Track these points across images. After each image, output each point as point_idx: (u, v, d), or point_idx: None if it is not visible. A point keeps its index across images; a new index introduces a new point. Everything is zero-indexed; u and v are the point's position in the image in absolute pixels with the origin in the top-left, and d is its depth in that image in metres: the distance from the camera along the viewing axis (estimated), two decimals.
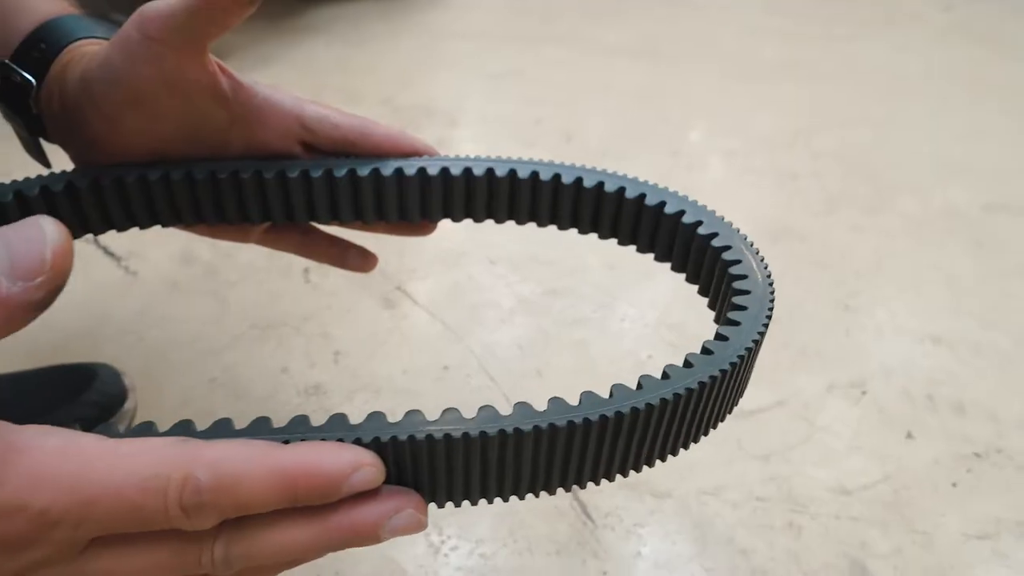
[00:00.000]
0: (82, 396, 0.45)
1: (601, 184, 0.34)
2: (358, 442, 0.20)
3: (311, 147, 0.36)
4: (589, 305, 0.63)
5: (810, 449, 0.49)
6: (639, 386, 0.22)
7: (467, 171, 0.35)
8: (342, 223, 0.37)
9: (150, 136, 0.34)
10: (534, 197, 0.35)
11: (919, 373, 0.55)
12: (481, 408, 0.21)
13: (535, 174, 0.34)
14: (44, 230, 0.18)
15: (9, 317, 0.18)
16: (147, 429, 0.21)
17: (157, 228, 0.36)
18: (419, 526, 0.20)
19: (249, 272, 0.66)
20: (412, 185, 0.35)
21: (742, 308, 0.26)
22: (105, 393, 0.46)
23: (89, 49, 0.35)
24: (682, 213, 0.32)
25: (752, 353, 0.25)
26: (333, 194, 0.35)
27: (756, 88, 1.11)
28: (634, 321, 0.61)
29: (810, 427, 0.50)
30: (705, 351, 0.24)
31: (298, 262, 0.68)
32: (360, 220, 0.36)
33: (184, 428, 0.21)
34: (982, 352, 0.58)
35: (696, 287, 0.33)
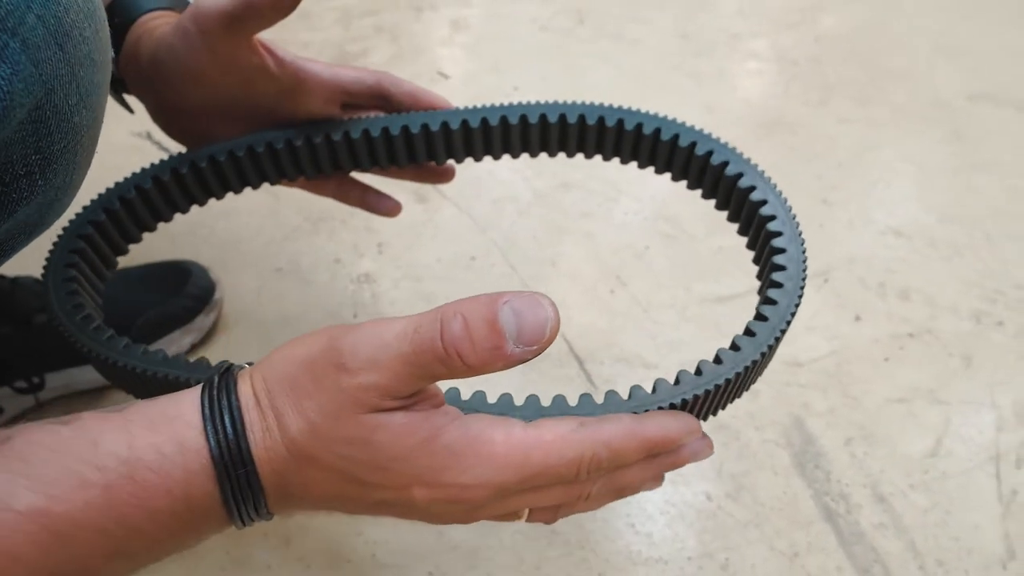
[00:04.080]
0: (184, 290, 0.55)
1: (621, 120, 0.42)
2: (672, 405, 0.29)
3: (349, 105, 0.44)
4: (597, 199, 0.71)
5: None
6: (698, 371, 0.30)
7: (484, 121, 0.43)
8: (381, 170, 0.46)
9: (212, 105, 0.42)
10: (543, 136, 0.44)
11: (877, 263, 0.65)
12: (658, 380, 0.30)
13: (543, 116, 0.42)
14: (548, 312, 0.24)
15: (503, 367, 0.25)
16: (538, 407, 0.29)
17: None
18: (710, 454, 0.31)
19: None
20: (438, 136, 0.43)
21: (777, 293, 0.33)
22: (200, 287, 0.56)
23: (154, 24, 0.42)
24: (726, 164, 0.40)
25: (785, 332, 0.32)
26: (373, 147, 0.44)
27: None
28: (636, 214, 0.70)
29: None
30: (748, 332, 0.32)
31: None
32: (394, 166, 0.45)
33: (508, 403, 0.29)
34: (936, 244, 0.67)
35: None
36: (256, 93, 0.41)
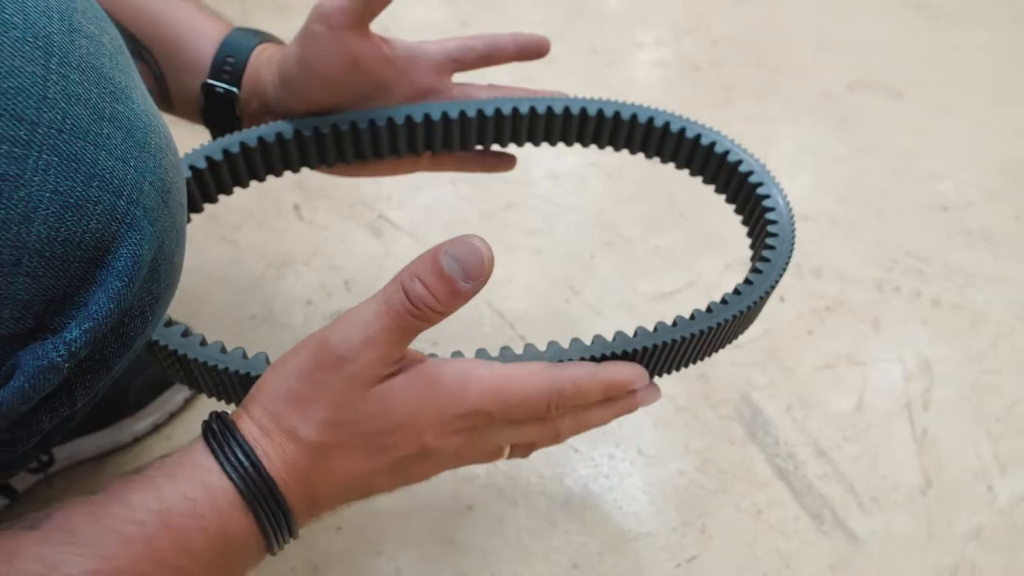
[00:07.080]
0: None
1: (665, 121, 0.50)
2: (625, 353, 0.33)
3: (459, 70, 0.48)
4: (539, 215, 0.77)
5: None
6: (708, 309, 0.35)
7: (555, 108, 0.50)
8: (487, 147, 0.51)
9: (338, 107, 0.45)
10: (614, 128, 0.52)
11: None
12: (618, 333, 0.34)
13: (632, 113, 0.50)
14: (480, 248, 0.28)
15: (465, 302, 0.28)
16: (512, 355, 0.33)
17: None
18: (658, 398, 0.35)
19: (246, 214, 0.76)
20: (508, 122, 0.50)
21: (771, 248, 0.39)
22: None
23: (268, 54, 0.45)
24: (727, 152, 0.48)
25: (778, 281, 0.38)
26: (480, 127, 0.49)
27: None
28: (577, 226, 0.76)
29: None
30: (747, 282, 0.37)
31: (287, 199, 0.78)
32: (510, 143, 0.51)
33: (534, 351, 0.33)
34: (836, 224, 0.77)
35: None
36: (375, 83, 0.44)
